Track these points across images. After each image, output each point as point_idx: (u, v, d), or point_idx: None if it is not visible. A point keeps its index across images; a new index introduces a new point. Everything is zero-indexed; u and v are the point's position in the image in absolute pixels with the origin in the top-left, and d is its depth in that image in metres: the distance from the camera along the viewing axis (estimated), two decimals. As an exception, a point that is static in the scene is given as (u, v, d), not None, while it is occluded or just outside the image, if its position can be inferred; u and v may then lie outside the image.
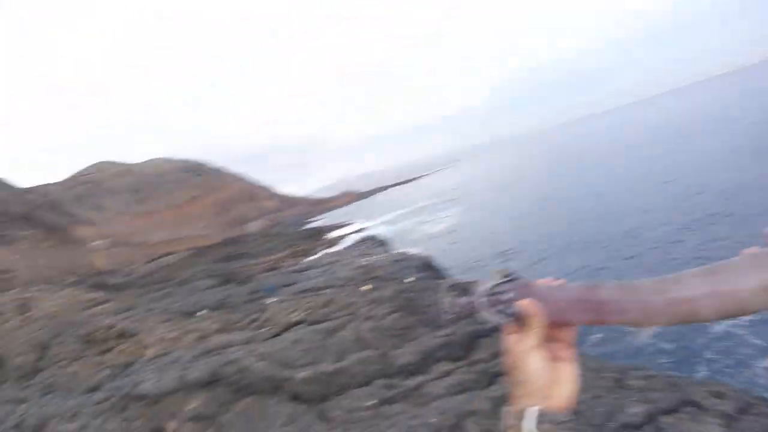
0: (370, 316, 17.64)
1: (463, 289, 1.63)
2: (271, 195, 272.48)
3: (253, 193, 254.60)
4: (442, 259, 41.86)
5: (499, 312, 1.44)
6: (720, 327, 21.65)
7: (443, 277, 24.87)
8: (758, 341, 20.06)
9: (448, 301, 1.58)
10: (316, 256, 51.10)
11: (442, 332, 15.06)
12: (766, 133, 56.90)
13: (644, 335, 1.21)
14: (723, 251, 24.03)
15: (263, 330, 20.08)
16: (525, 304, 1.37)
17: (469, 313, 1.51)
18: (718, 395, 10.13)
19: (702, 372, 19.33)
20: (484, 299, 1.47)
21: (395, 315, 17.17)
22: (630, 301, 1.21)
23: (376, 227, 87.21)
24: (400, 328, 16.49)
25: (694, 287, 1.10)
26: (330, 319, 18.66)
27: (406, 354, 15.08)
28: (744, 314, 1.08)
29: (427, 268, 27.22)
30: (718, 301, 1.07)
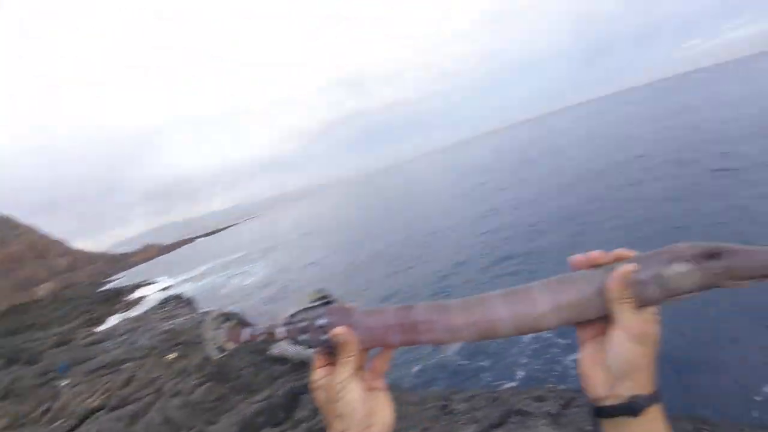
0: (178, 392, 15.99)
1: (239, 320, 1.58)
2: (64, 251, 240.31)
3: (43, 249, 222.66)
4: (255, 314, 40.38)
5: (309, 340, 1.37)
6: (528, 335, 25.10)
7: None
8: (562, 340, 21.94)
9: (224, 333, 1.46)
10: (115, 323, 46.06)
11: (259, 396, 14.23)
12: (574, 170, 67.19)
13: (451, 351, 1.31)
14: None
15: (57, 424, 17.11)
16: (340, 331, 1.31)
17: (268, 340, 1.46)
18: (540, 399, 10.81)
19: (520, 379, 20.32)
20: (290, 326, 1.38)
21: (205, 386, 15.89)
22: (439, 320, 1.28)
23: (182, 284, 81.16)
24: (213, 399, 15.24)
25: (495, 308, 1.23)
26: (133, 401, 16.52)
27: (223, 429, 13.79)
28: (539, 331, 1.25)
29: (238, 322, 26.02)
30: (515, 320, 1.22)
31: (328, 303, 1.40)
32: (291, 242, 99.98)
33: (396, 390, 14.12)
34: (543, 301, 1.20)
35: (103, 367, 21.77)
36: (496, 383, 20.34)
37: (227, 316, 1.53)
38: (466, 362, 23.74)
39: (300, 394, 14.16)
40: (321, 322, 1.35)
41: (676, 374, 17.28)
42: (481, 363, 23.16)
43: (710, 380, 16.80)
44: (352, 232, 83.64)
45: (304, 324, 1.36)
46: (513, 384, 19.96)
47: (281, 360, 18.31)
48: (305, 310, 1.39)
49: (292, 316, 1.40)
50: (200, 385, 15.88)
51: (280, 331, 1.39)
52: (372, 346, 1.37)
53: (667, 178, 40.21)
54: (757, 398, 15.38)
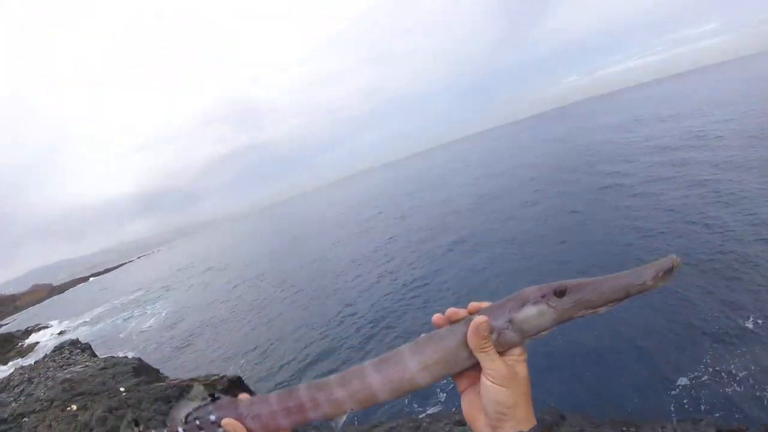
0: None
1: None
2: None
3: None
4: (158, 358, 39.53)
5: None
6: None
7: (163, 378, 23.65)
8: None
9: None
10: (8, 372, 42.56)
11: None
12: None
13: (339, 424, 1.37)
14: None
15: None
16: (228, 423, 1.36)
17: None
18: (461, 422, 10.59)
19: (443, 401, 20.50)
20: (187, 426, 1.41)
21: None
22: (322, 396, 1.36)
23: (77, 328, 75.73)
24: None
25: (370, 377, 1.32)
26: None
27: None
28: (415, 390, 1.34)
29: (142, 371, 25.09)
30: (391, 385, 1.31)
31: (215, 399, 1.47)
32: (189, 279, 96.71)
33: (314, 428, 13.85)
34: (413, 362, 1.31)
35: (3, 421, 20.43)
36: (418, 408, 20.58)
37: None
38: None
39: None
40: (212, 418, 1.40)
41: (596, 380, 18.56)
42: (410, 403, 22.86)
43: (627, 381, 18.03)
44: (247, 266, 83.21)
45: (198, 422, 1.40)
46: (435, 408, 20.22)
47: None
48: (196, 409, 1.43)
49: (187, 417, 1.43)
50: (105, 440, 14.24)
51: (181, 430, 1.40)
52: None
53: (553, 198, 46.04)
54: (673, 392, 16.98)
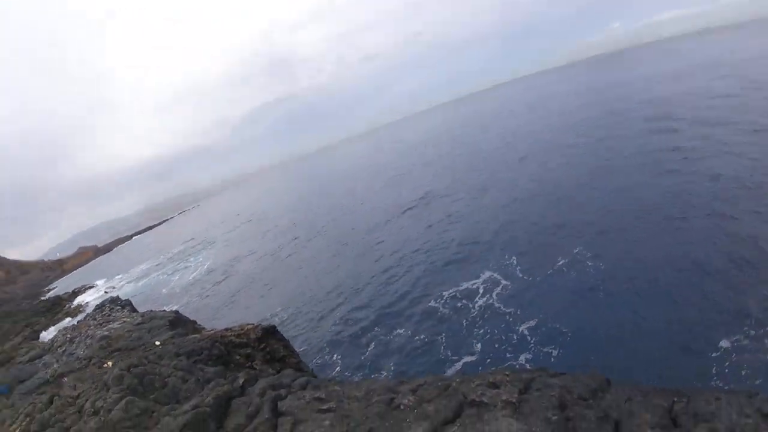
0: (97, 410, 13.82)
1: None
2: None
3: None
4: (197, 310, 40.48)
5: None
6: (480, 301, 25.28)
7: (199, 329, 23.60)
8: (512, 309, 23.37)
9: None
10: (54, 334, 44.02)
11: (187, 406, 12.51)
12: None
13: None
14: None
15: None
16: None
17: None
18: (495, 385, 9.62)
19: (474, 356, 21.11)
20: None
21: (125, 400, 13.58)
22: None
23: (121, 286, 78.08)
24: (135, 415, 13.07)
25: None
26: (53, 425, 14.24)
27: (144, 449, 12.08)
28: None
29: (178, 323, 24.95)
30: None
31: None
32: (230, 231, 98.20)
33: (338, 383, 12.84)
34: None
35: (45, 383, 20.54)
36: (453, 360, 21.09)
37: None
38: (421, 338, 23.88)
39: (232, 398, 12.83)
40: None
41: (638, 342, 18.19)
42: (436, 338, 23.55)
43: (669, 343, 17.70)
44: (282, 218, 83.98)
45: None
46: (471, 358, 20.76)
47: (213, 359, 17.04)
48: None
49: None
50: (120, 399, 13.85)
51: None
52: None
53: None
54: (714, 354, 16.48)
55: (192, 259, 78.08)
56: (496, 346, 21.47)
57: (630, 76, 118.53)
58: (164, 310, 26.54)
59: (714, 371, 15.92)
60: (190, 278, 59.55)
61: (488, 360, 20.54)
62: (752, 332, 16.99)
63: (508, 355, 20.43)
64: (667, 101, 59.26)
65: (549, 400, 8.89)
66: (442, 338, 23.13)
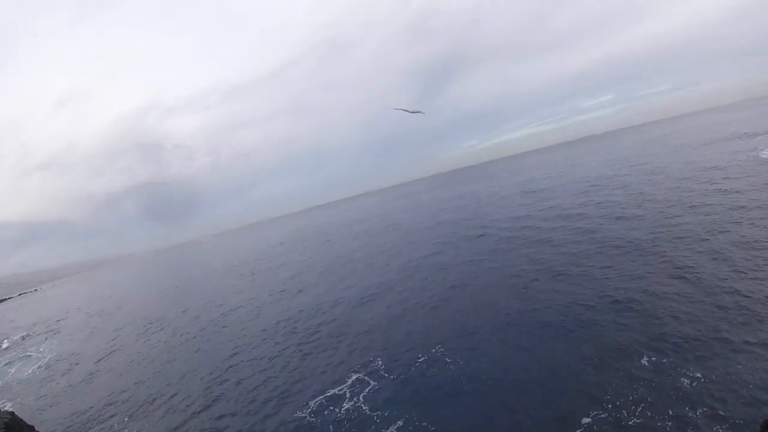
0: None
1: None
2: None
3: None
4: (35, 410, 37.12)
5: None
6: (347, 405, 25.67)
7: None
8: (378, 411, 24.25)
9: None
10: None
11: None
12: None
13: None
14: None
15: None
16: None
17: None
18: None
19: None
20: None
21: None
22: None
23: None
24: None
25: None
26: None
27: None
28: None
29: (15, 428, 24.12)
30: None
31: None
32: (77, 321, 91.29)
33: None
34: None
35: None
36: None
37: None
38: None
39: None
40: None
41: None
42: None
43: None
44: (137, 312, 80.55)
45: None
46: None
47: None
48: None
49: None
50: None
51: None
52: None
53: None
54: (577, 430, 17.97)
55: (33, 348, 72.24)
56: None
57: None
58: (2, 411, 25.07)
59: None
60: (29, 372, 55.40)
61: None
62: (609, 405, 19.26)
63: None
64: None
65: None
66: None
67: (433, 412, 23.09)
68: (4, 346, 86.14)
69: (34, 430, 26.73)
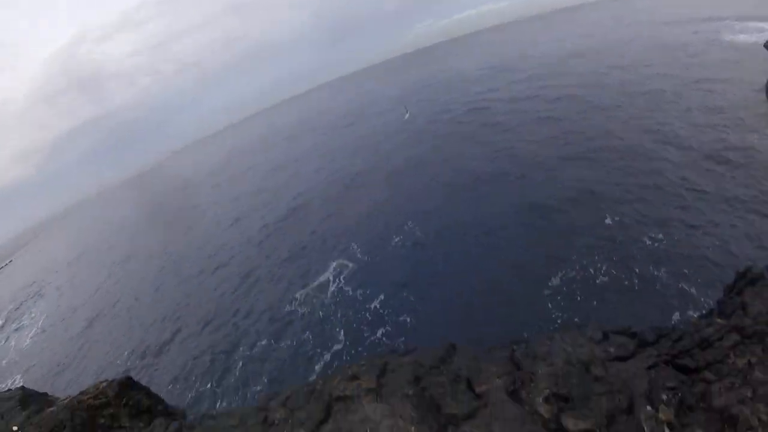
0: None
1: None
2: None
3: None
4: (44, 377, 37.41)
5: None
6: (333, 288, 26.93)
7: (52, 401, 21.97)
8: (361, 290, 25.38)
9: None
10: None
11: None
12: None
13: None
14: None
15: None
16: None
17: None
18: (354, 377, 10.66)
19: (340, 345, 22.17)
20: None
21: None
22: None
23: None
24: None
25: None
26: None
27: None
28: None
29: (29, 400, 22.76)
30: None
31: None
32: (58, 277, 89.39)
33: (211, 416, 13.58)
34: None
35: None
36: (323, 354, 21.90)
37: None
38: (288, 343, 24.29)
39: None
40: None
41: (478, 307, 20.36)
42: (302, 337, 24.14)
43: (505, 299, 19.94)
44: (115, 251, 79.55)
45: None
46: (339, 347, 21.86)
47: (77, 430, 16.62)
48: None
49: None
50: None
51: None
52: None
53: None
54: (547, 292, 19.10)
55: (25, 316, 70.38)
56: (355, 326, 23.00)
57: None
58: (9, 390, 24.43)
59: (550, 306, 18.50)
60: (28, 341, 54.08)
61: (352, 342, 22.00)
62: (577, 266, 20.26)
63: (366, 334, 22.01)
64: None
65: (404, 377, 10.10)
66: (308, 337, 24.00)
67: (411, 285, 24.09)
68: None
69: (47, 396, 25.54)
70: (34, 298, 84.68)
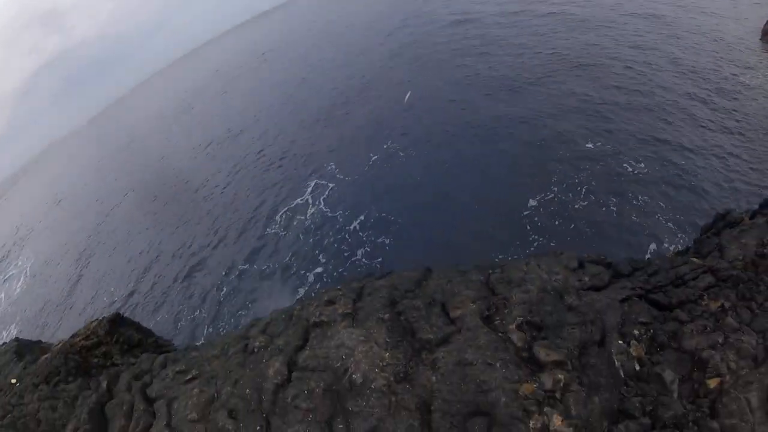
0: None
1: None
2: None
3: None
4: (38, 325, 37.46)
5: None
6: (312, 210, 26.79)
7: (46, 348, 22.28)
8: (340, 211, 25.47)
9: None
10: None
11: None
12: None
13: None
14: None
15: None
16: None
17: None
18: (330, 302, 10.76)
19: (321, 267, 22.47)
20: None
21: None
22: None
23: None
24: None
25: None
26: None
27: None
28: None
29: (24, 351, 22.82)
30: None
31: None
32: (41, 221, 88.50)
33: (195, 348, 13.61)
34: None
35: None
36: (305, 276, 22.12)
37: None
38: (270, 266, 24.42)
39: (103, 404, 12.86)
40: None
41: (452, 229, 20.33)
42: (285, 261, 24.21)
43: (481, 220, 19.95)
44: (98, 189, 77.06)
45: None
46: (319, 269, 22.02)
47: (72, 373, 16.29)
48: None
49: None
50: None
51: None
52: None
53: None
54: (525, 213, 19.20)
55: (11, 265, 70.20)
56: (336, 246, 23.26)
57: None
58: (4, 343, 24.59)
59: (528, 228, 18.55)
60: (17, 289, 54.29)
61: (334, 264, 22.22)
62: (555, 188, 20.12)
63: (346, 254, 22.28)
64: None
65: (379, 301, 10.06)
66: (290, 260, 24.20)
67: (390, 204, 24.13)
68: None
69: (41, 343, 25.96)
70: (19, 245, 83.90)
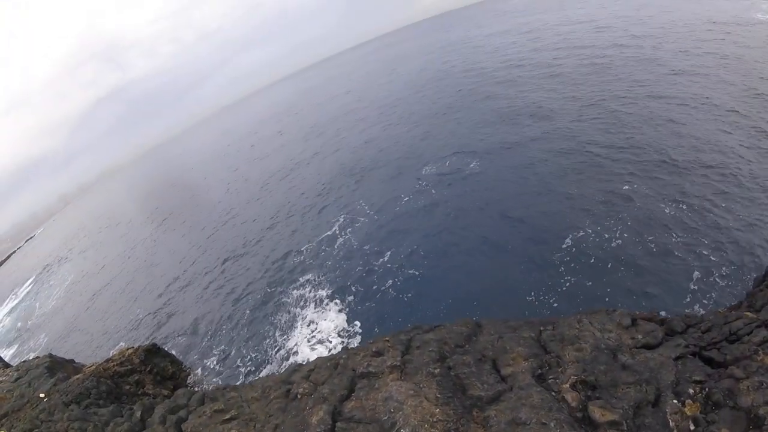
0: None
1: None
2: None
3: None
4: (70, 343, 36.67)
5: None
6: (340, 240, 26.88)
7: (79, 368, 21.76)
8: (368, 245, 25.47)
9: None
10: None
11: None
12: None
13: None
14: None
15: None
16: None
17: None
18: (378, 353, 10.52)
19: (352, 296, 22.28)
20: None
21: None
22: None
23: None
24: None
25: None
26: None
27: None
28: None
29: (56, 367, 22.17)
30: None
31: None
32: (83, 244, 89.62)
33: (234, 388, 13.22)
34: None
35: None
36: (338, 334, 20.96)
37: None
38: (305, 327, 22.98)
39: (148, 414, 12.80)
40: None
41: (496, 282, 19.14)
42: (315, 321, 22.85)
43: (520, 270, 19.15)
44: (140, 219, 79.21)
45: None
46: (354, 341, 20.28)
47: (103, 397, 16.50)
48: None
49: None
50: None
51: None
52: None
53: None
54: (558, 254, 18.62)
55: (53, 278, 71.78)
56: (364, 275, 23.32)
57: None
58: (38, 357, 24.33)
59: (562, 269, 17.91)
60: (52, 304, 54.28)
61: (362, 294, 22.19)
62: (590, 229, 19.60)
63: (375, 287, 22.15)
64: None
65: (429, 355, 9.81)
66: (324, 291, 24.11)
67: (420, 242, 24.29)
68: (27, 287, 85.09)
69: (74, 362, 26.08)
70: (64, 260, 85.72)
